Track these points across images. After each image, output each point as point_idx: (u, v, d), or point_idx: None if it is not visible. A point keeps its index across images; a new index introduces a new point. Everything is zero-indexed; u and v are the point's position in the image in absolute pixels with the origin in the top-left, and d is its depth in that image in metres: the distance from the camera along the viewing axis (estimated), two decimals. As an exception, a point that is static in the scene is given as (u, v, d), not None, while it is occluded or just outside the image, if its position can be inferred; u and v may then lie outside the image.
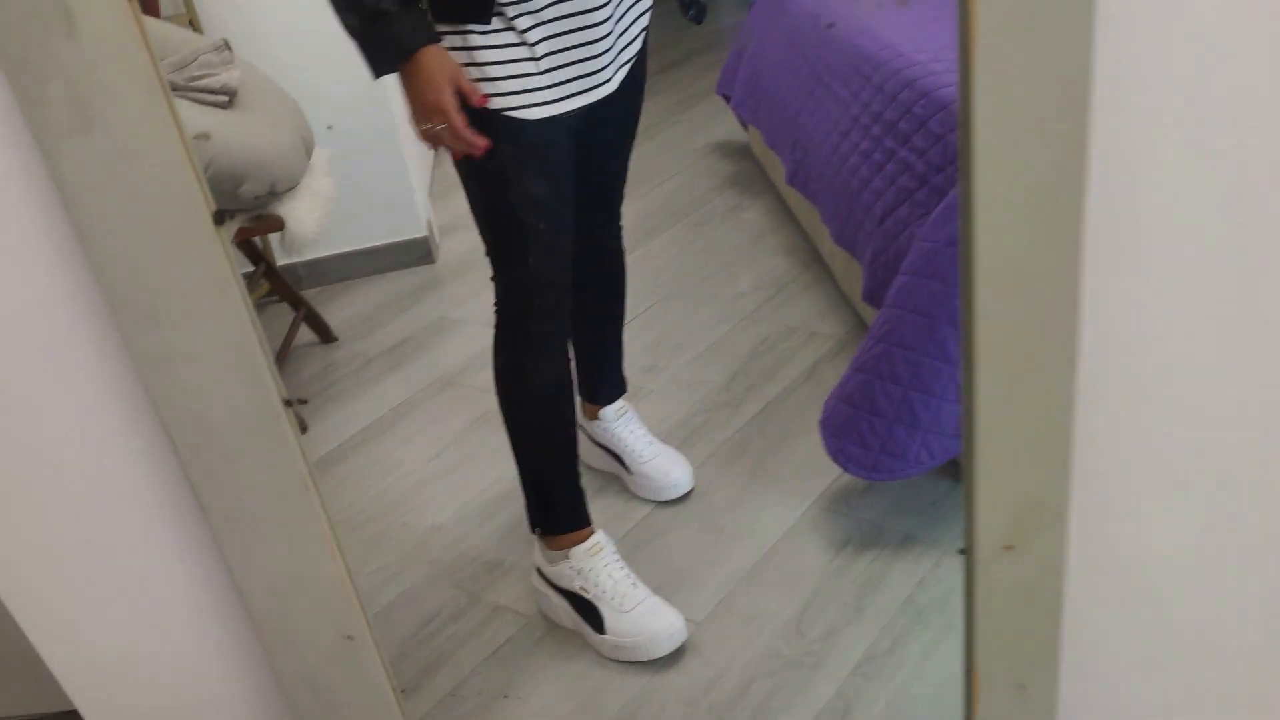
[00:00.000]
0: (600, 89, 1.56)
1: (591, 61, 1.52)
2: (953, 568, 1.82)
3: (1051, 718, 1.05)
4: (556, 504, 1.80)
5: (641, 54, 1.67)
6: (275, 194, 2.34)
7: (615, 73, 1.59)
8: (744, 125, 3.51)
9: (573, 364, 1.78)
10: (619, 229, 1.94)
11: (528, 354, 1.68)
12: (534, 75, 1.48)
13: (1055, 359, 0.84)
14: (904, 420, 1.83)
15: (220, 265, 0.74)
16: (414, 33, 1.40)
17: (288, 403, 0.80)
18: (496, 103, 1.47)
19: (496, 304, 1.67)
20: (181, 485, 0.84)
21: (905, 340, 1.83)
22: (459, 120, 1.43)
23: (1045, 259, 0.80)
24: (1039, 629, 0.98)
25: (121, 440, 0.85)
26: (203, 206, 0.72)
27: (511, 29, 1.45)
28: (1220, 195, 0.89)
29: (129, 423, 0.84)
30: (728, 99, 3.46)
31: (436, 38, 1.42)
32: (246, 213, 2.31)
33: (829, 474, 2.08)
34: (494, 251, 1.63)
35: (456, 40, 1.45)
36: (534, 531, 1.83)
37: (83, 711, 1.08)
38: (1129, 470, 1.00)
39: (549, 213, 1.58)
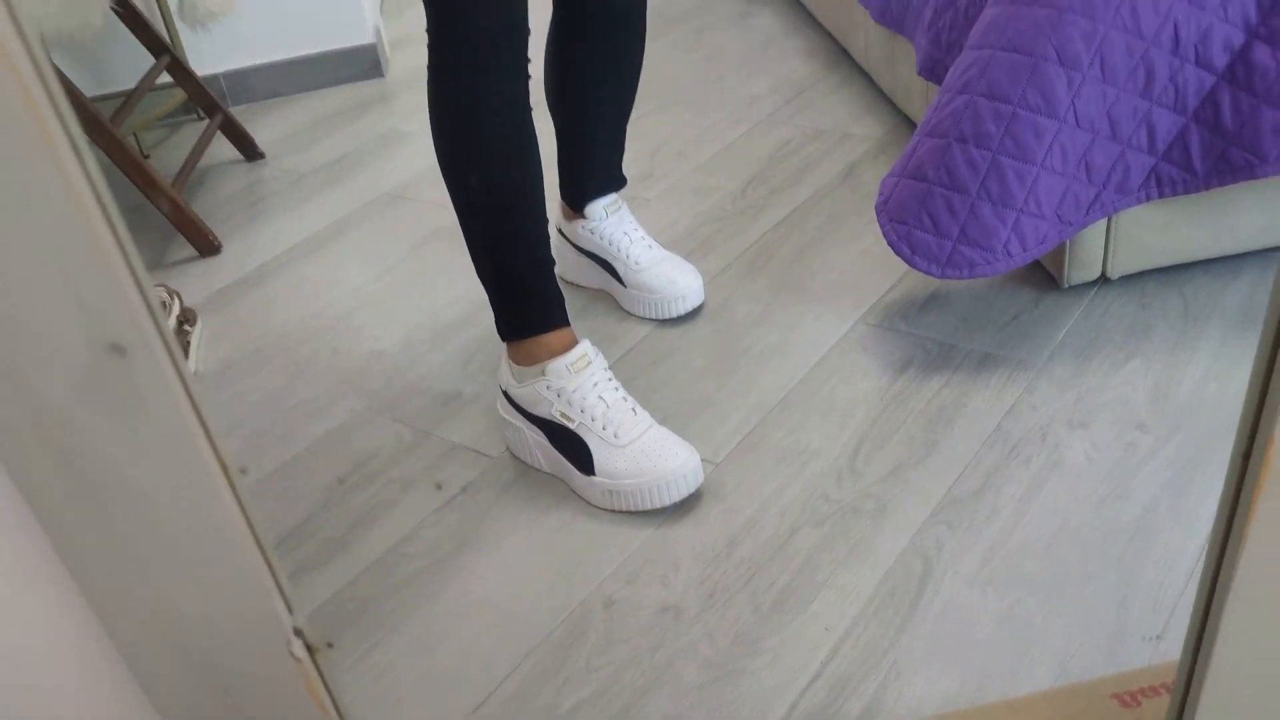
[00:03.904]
0: None
1: None
2: (1052, 393, 1.38)
3: None
4: (521, 291, 1.33)
5: None
6: (170, -60, 1.83)
7: None
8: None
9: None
10: None
11: (474, 94, 1.21)
12: None
13: None
14: (990, 195, 1.38)
15: None
16: None
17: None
18: None
19: (429, 31, 1.20)
20: None
21: (997, 88, 1.37)
22: None
23: None
24: None
25: None
26: None
27: None
28: None
29: None
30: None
31: None
32: (132, -39, 1.81)
33: (879, 285, 1.63)
34: None
35: None
36: (501, 337, 1.38)
37: None
38: None
39: None
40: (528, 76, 1.24)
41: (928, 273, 1.42)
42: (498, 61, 1.21)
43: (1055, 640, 1.07)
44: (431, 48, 1.23)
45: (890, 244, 1.44)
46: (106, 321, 0.45)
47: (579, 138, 1.58)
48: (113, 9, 1.96)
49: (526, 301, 1.32)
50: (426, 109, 1.25)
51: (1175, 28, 1.32)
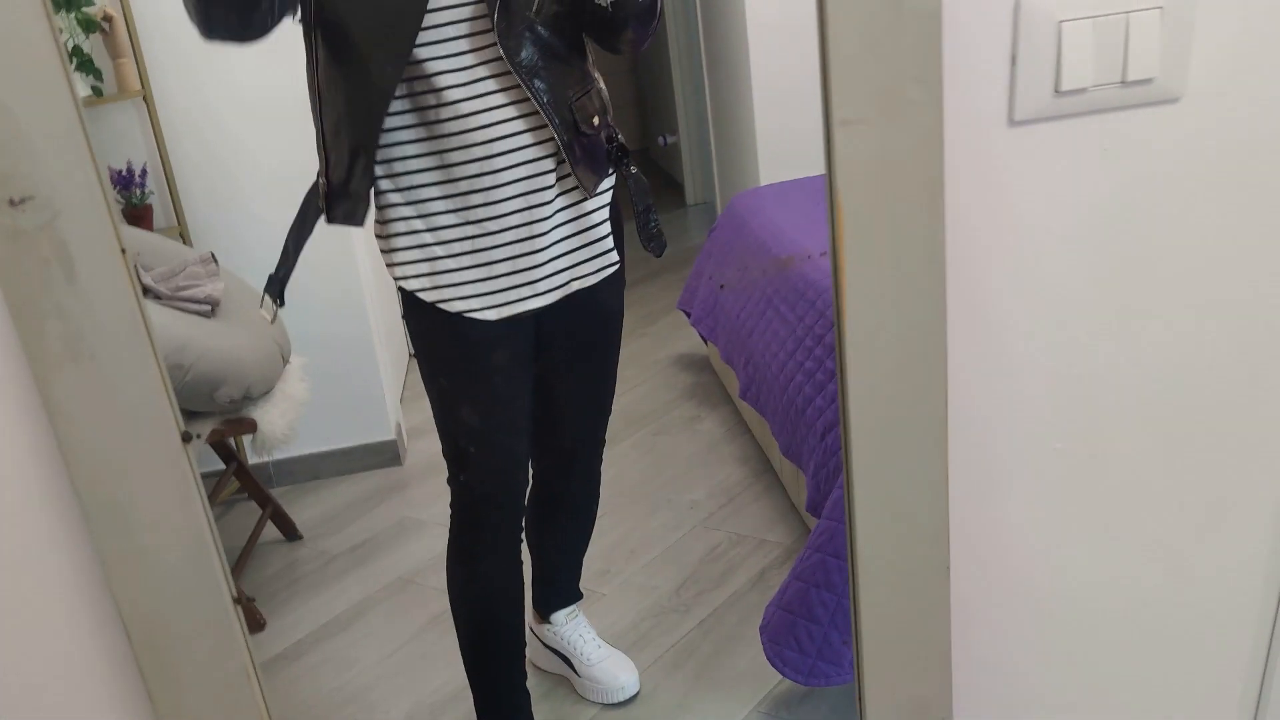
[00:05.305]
0: (526, 301, 1.63)
1: (499, 265, 1.59)
2: (886, 775, 1.86)
3: None
4: (500, 706, 1.86)
5: (605, 295, 1.76)
6: (250, 398, 2.46)
7: (545, 287, 1.64)
8: (704, 340, 3.69)
9: (526, 566, 1.87)
10: (596, 473, 2.05)
11: (476, 556, 1.77)
12: (441, 259, 1.59)
13: (930, 576, 0.95)
14: (839, 626, 1.91)
15: (185, 480, 0.85)
16: None
17: (237, 601, 0.90)
18: (428, 295, 1.61)
19: (451, 504, 1.78)
20: (134, 675, 0.93)
21: (840, 550, 1.93)
22: None
23: (915, 493, 0.92)
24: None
25: (83, 633, 0.94)
26: (174, 429, 0.84)
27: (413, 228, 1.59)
28: (1066, 421, 1.02)
29: (92, 618, 0.93)
30: (689, 315, 3.66)
31: None
32: (221, 415, 2.43)
33: (771, 678, 2.14)
34: (446, 457, 1.74)
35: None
36: None
37: None
38: (1007, 669, 1.10)
39: (485, 434, 1.69)
40: (521, 542, 1.81)
41: (796, 681, 1.94)
42: (502, 544, 1.79)
43: None
44: (453, 525, 1.80)
45: (768, 658, 1.97)
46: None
47: (548, 570, 2.14)
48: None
49: (505, 713, 1.85)
50: (436, 499, 1.80)
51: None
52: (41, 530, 0.91)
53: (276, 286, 1.66)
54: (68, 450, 0.84)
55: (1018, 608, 1.08)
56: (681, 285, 4.06)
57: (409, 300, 1.63)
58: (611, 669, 2.15)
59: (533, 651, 2.25)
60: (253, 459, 3.18)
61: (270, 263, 3.06)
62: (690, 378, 3.70)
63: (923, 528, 0.92)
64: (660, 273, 4.86)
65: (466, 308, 1.60)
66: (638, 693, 2.15)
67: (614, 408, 2.06)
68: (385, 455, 3.32)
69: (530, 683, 1.92)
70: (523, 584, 1.85)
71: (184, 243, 2.93)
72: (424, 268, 1.60)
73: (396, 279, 1.63)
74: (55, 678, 0.96)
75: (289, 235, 1.66)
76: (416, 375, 3.92)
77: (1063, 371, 1.01)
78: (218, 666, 0.90)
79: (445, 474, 1.80)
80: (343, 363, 3.20)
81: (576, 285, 1.69)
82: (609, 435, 3.16)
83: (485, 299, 1.60)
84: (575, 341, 1.78)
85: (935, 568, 0.94)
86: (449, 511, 1.82)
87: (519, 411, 1.72)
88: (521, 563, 1.84)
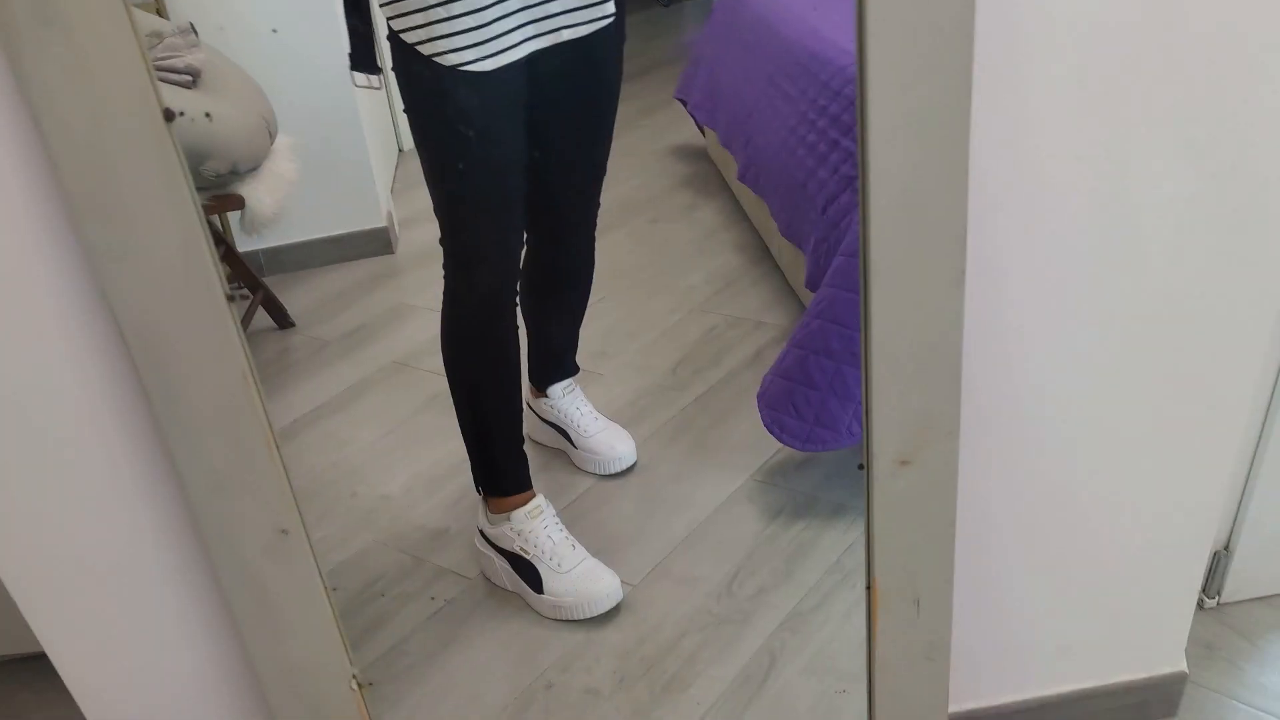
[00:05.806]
0: (518, 47, 1.57)
1: (490, 10, 1.51)
2: (880, 536, 1.89)
3: (946, 627, 1.12)
4: (499, 465, 1.86)
5: (600, 50, 1.71)
6: (237, 173, 2.40)
7: (535, 30, 1.59)
8: (701, 129, 3.60)
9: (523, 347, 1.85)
10: (590, 240, 2.01)
11: (471, 320, 1.75)
12: (433, 8, 1.50)
13: (943, 285, 0.92)
14: (836, 392, 1.91)
15: (169, 161, 0.80)
16: None
17: (230, 298, 0.86)
18: (424, 48, 1.53)
19: (444, 263, 1.74)
20: (129, 376, 0.90)
21: (840, 316, 1.91)
22: None
23: (932, 188, 0.88)
24: (933, 541, 1.05)
25: (70, 329, 0.91)
26: (155, 105, 0.79)
27: None
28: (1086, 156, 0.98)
29: (78, 311, 0.90)
30: (686, 103, 3.56)
31: None
32: (208, 191, 2.37)
33: (766, 450, 2.15)
34: (439, 218, 1.70)
35: None
36: (478, 491, 1.89)
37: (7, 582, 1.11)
38: (1013, 387, 1.09)
39: (478, 187, 1.63)
40: (516, 317, 1.79)
41: (792, 446, 1.95)
42: (498, 321, 1.76)
43: (854, 714, 1.56)
44: (446, 292, 1.76)
45: (766, 426, 1.97)
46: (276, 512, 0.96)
47: (544, 341, 2.12)
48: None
49: (501, 471, 1.85)
50: (429, 285, 1.78)
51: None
52: (28, 228, 0.87)
53: (361, 62, 1.67)
54: (42, 127, 0.79)
55: (1032, 317, 1.06)
56: (678, 78, 3.95)
57: (401, 49, 1.57)
58: (609, 440, 2.15)
59: (530, 426, 2.25)
60: (242, 245, 3.13)
61: (251, 31, 2.95)
62: (687, 167, 3.62)
63: (939, 234, 0.89)
64: (658, 65, 4.72)
65: (460, 60, 1.53)
66: (635, 463, 2.17)
67: (610, 195, 2.01)
68: (377, 243, 3.27)
69: (528, 455, 1.92)
70: (519, 349, 1.82)
71: (160, 15, 2.80)
72: (418, 19, 1.52)
73: (391, 30, 1.56)
74: (52, 389, 0.93)
75: (346, 15, 1.66)
76: (407, 168, 3.83)
77: (1087, 108, 0.96)
78: (214, 369, 0.87)
79: (438, 258, 1.76)
80: (332, 145, 3.12)
81: (568, 34, 1.63)
82: (604, 221, 3.09)
83: (478, 46, 1.54)
84: (570, 94, 1.72)
85: (950, 276, 0.91)
86: (441, 297, 1.79)
87: (513, 164, 1.67)
88: (517, 329, 1.81)
